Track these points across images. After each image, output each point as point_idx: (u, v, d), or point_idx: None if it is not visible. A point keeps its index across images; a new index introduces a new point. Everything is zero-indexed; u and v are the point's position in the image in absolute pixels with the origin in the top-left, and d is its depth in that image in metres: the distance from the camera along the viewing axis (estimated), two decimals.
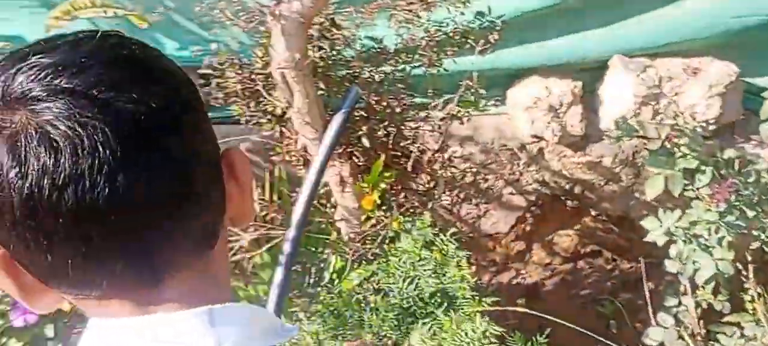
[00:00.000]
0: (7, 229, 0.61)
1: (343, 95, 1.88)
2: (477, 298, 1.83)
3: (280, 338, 0.75)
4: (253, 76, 1.86)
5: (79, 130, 0.58)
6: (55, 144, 0.58)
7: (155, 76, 0.64)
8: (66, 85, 0.59)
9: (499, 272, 2.59)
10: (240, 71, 1.85)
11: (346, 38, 1.99)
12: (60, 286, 0.66)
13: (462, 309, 1.79)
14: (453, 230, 1.94)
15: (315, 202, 1.92)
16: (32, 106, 0.58)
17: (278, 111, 1.84)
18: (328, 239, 1.97)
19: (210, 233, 0.70)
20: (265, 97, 1.86)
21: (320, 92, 1.91)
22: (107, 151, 0.59)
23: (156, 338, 0.68)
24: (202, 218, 0.68)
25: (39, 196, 0.59)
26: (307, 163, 1.88)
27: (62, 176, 0.58)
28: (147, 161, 0.62)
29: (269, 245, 1.91)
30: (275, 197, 2.07)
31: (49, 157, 0.58)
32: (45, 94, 0.59)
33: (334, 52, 1.97)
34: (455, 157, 2.29)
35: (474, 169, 2.39)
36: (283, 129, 1.90)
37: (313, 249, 2.03)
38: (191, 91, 0.67)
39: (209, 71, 1.90)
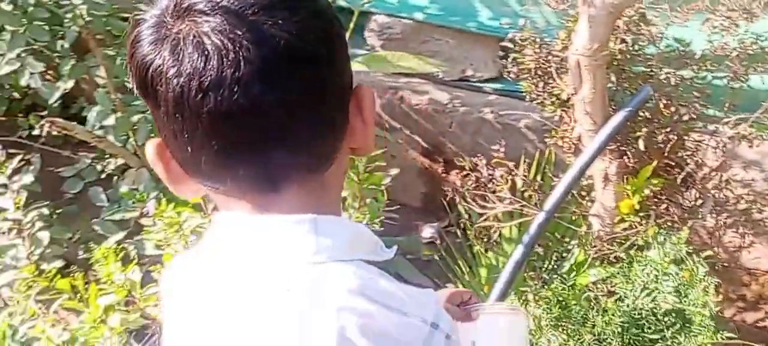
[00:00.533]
0: (162, 119, 0.74)
1: (634, 93, 1.87)
2: (715, 329, 1.79)
3: (375, 256, 0.84)
4: (548, 57, 1.91)
5: (228, 43, 0.69)
6: (206, 52, 0.69)
7: (303, 7, 0.74)
8: (225, 4, 0.70)
9: (747, 309, 2.46)
10: (538, 50, 1.90)
11: (653, 35, 1.96)
12: (195, 176, 0.79)
13: (695, 336, 1.76)
14: (709, 253, 1.88)
15: (573, 192, 1.95)
16: (195, 18, 0.70)
17: (564, 96, 1.87)
18: (576, 230, 2.01)
19: (327, 156, 0.79)
20: (554, 80, 1.91)
21: (610, 85, 1.92)
22: (248, 66, 0.69)
23: (266, 236, 0.78)
24: (322, 141, 0.77)
25: (187, 94, 0.71)
26: (577, 152, 1.92)
27: (207, 80, 0.69)
28: (280, 82, 0.72)
29: (519, 221, 1.99)
30: (539, 178, 2.13)
31: (200, 63, 0.69)
32: (208, 9, 0.70)
33: (636, 48, 1.95)
34: (734, 180, 2.18)
35: (751, 198, 2.26)
36: (564, 114, 1.94)
37: (560, 237, 2.07)
38: (334, 27, 0.77)
39: (509, 45, 1.98)
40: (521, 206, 1.94)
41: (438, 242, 2.35)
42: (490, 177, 2.00)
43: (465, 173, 2.06)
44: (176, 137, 0.75)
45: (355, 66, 2.40)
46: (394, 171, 2.41)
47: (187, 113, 0.73)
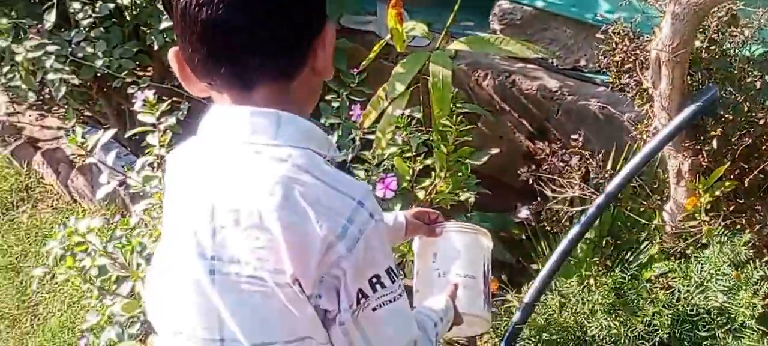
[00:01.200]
0: (174, 28, 1.09)
1: (701, 91, 1.88)
2: (762, 332, 1.78)
3: (325, 151, 1.15)
4: (636, 50, 1.96)
5: None
6: None
7: None
8: None
9: None
10: (627, 43, 1.96)
11: (746, 38, 1.95)
12: (196, 75, 1.10)
13: (741, 338, 1.77)
14: None
15: (645, 185, 1.98)
16: None
17: (650, 91, 1.92)
18: (647, 223, 2.05)
19: (291, 68, 1.11)
20: (638, 73, 1.96)
21: (692, 83, 1.94)
22: None
23: (240, 120, 1.10)
24: (287, 55, 1.10)
25: (190, 9, 1.04)
26: None
27: None
28: (253, 5, 1.04)
29: (582, 208, 2.06)
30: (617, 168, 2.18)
31: None
32: None
33: (725, 48, 1.95)
34: None
35: None
36: (649, 108, 1.99)
37: (632, 228, 2.11)
38: None
39: (602, 36, 2.04)
40: (590, 192, 2.01)
41: (533, 223, 2.44)
42: (565, 164, 2.09)
43: (542, 157, 2.15)
44: (182, 41, 1.08)
45: (459, 46, 2.55)
46: (495, 150, 2.54)
47: (188, 21, 1.05)
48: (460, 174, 2.24)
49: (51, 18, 3.05)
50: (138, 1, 2.98)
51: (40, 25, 3.09)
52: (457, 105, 2.35)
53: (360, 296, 1.15)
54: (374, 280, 1.16)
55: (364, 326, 1.18)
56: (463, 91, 2.87)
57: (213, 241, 1.12)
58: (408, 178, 2.25)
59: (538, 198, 2.28)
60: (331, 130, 2.55)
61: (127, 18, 3.12)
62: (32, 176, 3.62)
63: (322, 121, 2.64)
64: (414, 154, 2.24)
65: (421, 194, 2.25)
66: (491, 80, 2.84)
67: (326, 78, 1.18)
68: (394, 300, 1.19)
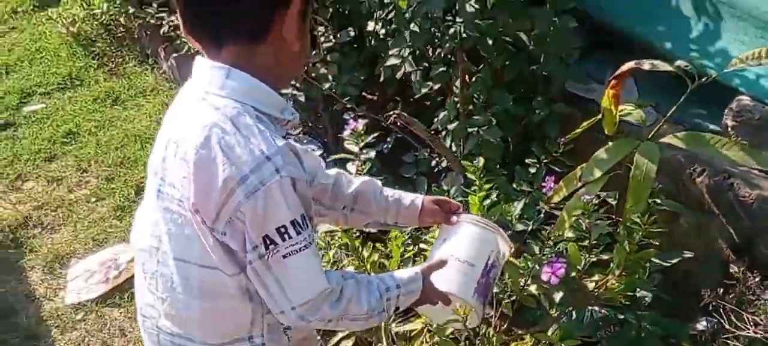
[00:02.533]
0: None
1: None
2: None
3: (273, 111, 1.41)
4: None
5: None
6: None
7: None
8: None
9: None
10: None
11: None
12: (186, 35, 1.42)
13: None
14: None
15: None
16: None
17: None
18: None
19: (253, 33, 1.37)
20: None
21: None
22: None
23: (203, 72, 1.41)
24: (248, 21, 1.36)
25: None
26: None
27: None
28: None
29: None
30: None
31: None
32: None
33: None
34: None
35: None
36: None
37: None
38: None
39: None
40: None
41: (708, 338, 2.23)
42: (756, 298, 1.88)
43: (731, 280, 1.96)
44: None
45: (674, 140, 2.39)
46: (689, 254, 2.35)
47: None
48: (637, 276, 2.11)
49: None
50: (379, 32, 3.16)
51: None
52: (657, 201, 2.21)
53: (268, 241, 1.36)
54: (282, 229, 1.35)
55: (275, 271, 1.39)
56: (672, 184, 2.69)
57: (162, 166, 1.44)
58: (579, 267, 2.16)
59: (722, 318, 2.08)
60: (518, 197, 2.52)
61: (367, 45, 3.33)
62: None
63: (514, 186, 2.63)
64: (591, 244, 2.15)
65: (590, 286, 2.16)
66: (707, 178, 2.63)
67: (296, 53, 1.44)
68: (301, 250, 1.38)
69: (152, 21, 4.91)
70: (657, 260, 2.20)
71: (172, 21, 4.86)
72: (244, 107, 1.36)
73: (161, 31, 4.82)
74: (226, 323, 1.50)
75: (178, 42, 4.49)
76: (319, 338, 1.87)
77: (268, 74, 1.40)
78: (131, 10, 5.07)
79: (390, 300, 1.56)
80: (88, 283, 3.26)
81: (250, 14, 1.35)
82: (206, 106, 1.37)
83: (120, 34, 5.14)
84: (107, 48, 5.07)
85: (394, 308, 1.59)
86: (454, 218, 1.80)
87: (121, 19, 5.14)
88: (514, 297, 2.25)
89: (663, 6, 2.88)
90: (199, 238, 1.39)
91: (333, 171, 1.82)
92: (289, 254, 1.37)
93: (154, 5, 4.95)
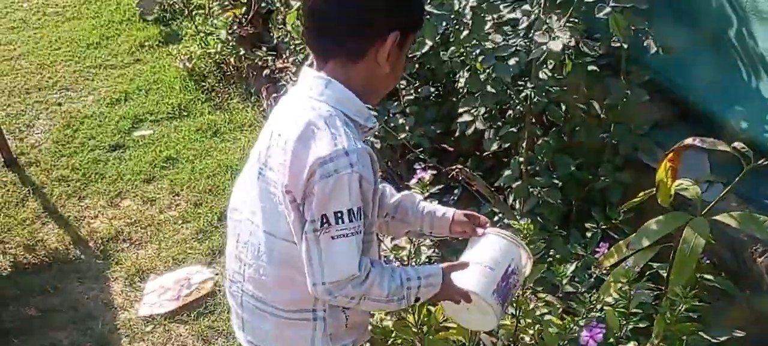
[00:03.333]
0: None
1: None
2: None
3: (358, 118, 1.70)
4: None
5: None
6: None
7: None
8: None
9: None
10: None
11: None
12: (307, 47, 1.90)
13: None
14: None
15: None
16: None
17: None
18: None
19: (357, 52, 1.67)
20: None
21: None
22: None
23: (308, 79, 1.72)
24: (355, 41, 1.67)
25: (305, 3, 1.71)
26: None
27: None
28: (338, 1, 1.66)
29: None
30: None
31: None
32: None
33: None
34: None
35: None
36: None
37: None
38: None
39: None
40: None
41: None
42: None
43: None
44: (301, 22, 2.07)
45: (727, 219, 2.36)
46: (740, 333, 2.30)
47: (302, 6, 1.72)
48: None
49: None
50: (460, 90, 3.27)
51: None
52: (705, 277, 2.20)
53: (324, 220, 1.61)
54: (338, 214, 1.61)
55: (322, 246, 1.63)
56: (734, 261, 2.64)
57: (266, 152, 1.74)
58: (617, 333, 2.16)
59: None
60: (572, 259, 2.55)
61: (448, 100, 3.45)
62: None
63: (569, 247, 2.65)
64: (629, 312, 2.16)
65: None
66: (760, 258, 2.57)
67: (386, 75, 1.72)
68: (347, 236, 1.62)
69: (259, 63, 5.22)
70: (704, 335, 2.18)
71: (275, 65, 5.17)
72: (336, 112, 1.66)
73: (264, 73, 5.11)
74: (296, 292, 1.76)
75: (280, 83, 4.76)
76: (370, 328, 2.06)
77: (359, 88, 1.70)
78: (242, 52, 5.41)
79: (410, 289, 1.76)
80: (161, 298, 3.47)
81: (354, 36, 1.66)
82: (307, 107, 1.67)
83: (229, 73, 5.47)
84: (216, 84, 5.40)
85: (415, 299, 1.79)
86: (480, 230, 1.99)
87: (232, 60, 5.48)
88: None
89: (741, 86, 2.86)
90: (286, 216, 1.68)
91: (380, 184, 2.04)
92: (337, 237, 1.62)
93: (264, 49, 5.27)
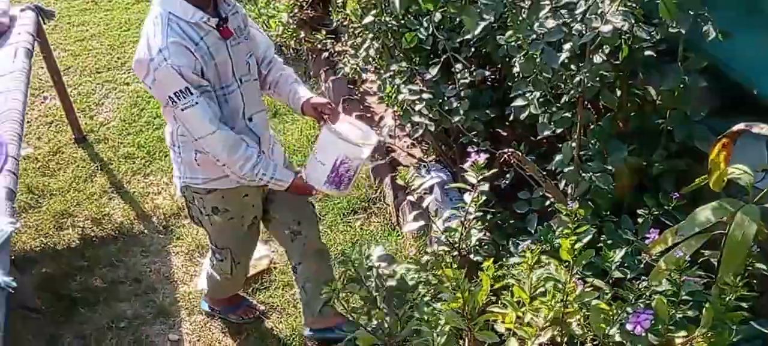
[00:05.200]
0: None
1: None
2: None
3: (186, 17, 2.46)
4: None
5: None
6: None
7: None
8: None
9: None
10: None
11: None
12: None
13: None
14: None
15: None
16: None
17: None
18: None
19: None
20: None
21: None
22: None
23: None
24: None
25: None
26: None
27: None
28: None
29: None
30: None
31: None
32: None
33: None
34: None
35: None
36: None
37: None
38: None
39: None
40: None
41: None
42: None
43: None
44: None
45: None
46: None
47: None
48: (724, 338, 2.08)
49: (434, 71, 3.52)
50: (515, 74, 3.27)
51: (426, 74, 3.59)
52: (756, 266, 2.17)
53: (170, 101, 2.42)
54: (178, 93, 2.39)
55: (181, 117, 2.48)
56: None
57: None
58: (666, 321, 2.16)
59: None
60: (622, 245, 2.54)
61: (503, 85, 3.45)
62: (377, 193, 4.17)
63: (619, 232, 2.64)
64: (678, 300, 2.15)
65: (677, 341, 2.15)
66: None
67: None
68: (192, 106, 2.42)
69: (318, 46, 5.30)
70: (754, 325, 2.16)
71: (334, 48, 5.23)
72: (165, 12, 2.39)
73: (323, 56, 5.19)
74: (168, 134, 2.79)
75: (338, 66, 4.82)
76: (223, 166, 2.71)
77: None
78: (302, 35, 5.50)
79: (262, 180, 2.65)
80: None
81: None
82: (150, 11, 2.44)
83: (289, 55, 5.56)
84: None
85: (263, 183, 2.68)
86: (321, 123, 2.72)
87: (291, 43, 5.57)
88: (596, 342, 2.27)
89: None
90: None
91: (278, 60, 2.88)
92: (185, 108, 2.42)
93: (323, 32, 5.34)
